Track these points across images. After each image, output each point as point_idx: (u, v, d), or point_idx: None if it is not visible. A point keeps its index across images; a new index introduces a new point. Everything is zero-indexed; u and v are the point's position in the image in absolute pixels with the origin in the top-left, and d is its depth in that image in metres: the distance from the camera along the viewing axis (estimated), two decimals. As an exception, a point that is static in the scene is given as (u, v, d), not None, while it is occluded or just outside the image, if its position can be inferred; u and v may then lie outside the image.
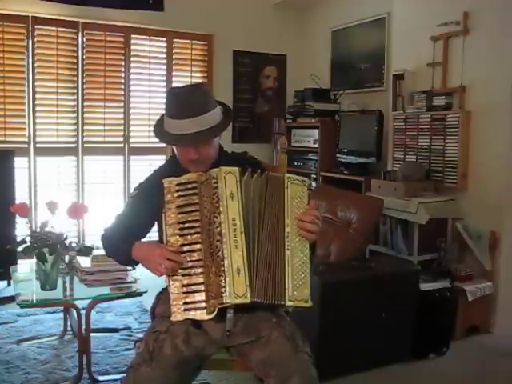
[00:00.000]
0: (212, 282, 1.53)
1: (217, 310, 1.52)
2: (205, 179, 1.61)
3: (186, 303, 1.56)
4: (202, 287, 1.55)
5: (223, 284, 1.50)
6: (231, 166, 1.60)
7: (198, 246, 1.58)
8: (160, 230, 1.73)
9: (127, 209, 1.82)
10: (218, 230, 1.54)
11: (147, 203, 1.76)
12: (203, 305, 1.54)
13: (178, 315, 1.56)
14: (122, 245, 1.71)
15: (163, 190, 1.63)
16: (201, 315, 1.55)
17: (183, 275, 1.57)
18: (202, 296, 1.55)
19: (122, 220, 1.79)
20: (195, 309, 1.55)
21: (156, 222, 1.80)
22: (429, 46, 3.63)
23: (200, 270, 1.57)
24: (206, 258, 1.56)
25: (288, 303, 1.53)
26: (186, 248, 1.59)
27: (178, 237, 1.59)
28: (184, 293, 1.56)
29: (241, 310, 1.63)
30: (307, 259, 1.58)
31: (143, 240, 1.79)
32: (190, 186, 1.62)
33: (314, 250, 1.64)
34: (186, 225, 1.60)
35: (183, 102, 1.67)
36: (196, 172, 1.65)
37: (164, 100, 1.75)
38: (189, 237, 1.59)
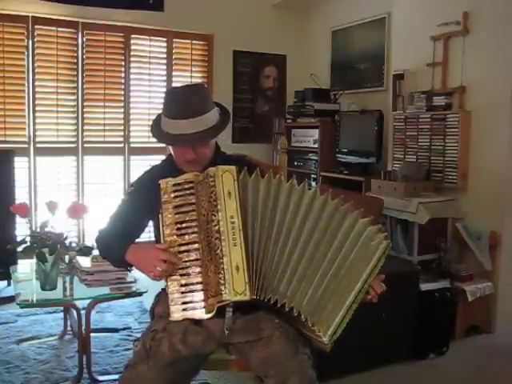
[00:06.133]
0: (211, 281, 1.53)
1: (216, 308, 1.51)
2: (202, 178, 1.61)
3: (184, 303, 1.56)
4: (200, 286, 1.55)
5: (222, 282, 1.50)
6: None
7: (196, 246, 1.58)
8: (156, 231, 1.73)
9: (122, 207, 1.81)
10: (217, 228, 1.54)
11: (143, 200, 1.75)
12: (202, 304, 1.54)
13: (176, 315, 1.56)
14: (116, 247, 1.69)
15: (159, 191, 1.63)
16: (200, 314, 1.54)
17: (181, 275, 1.57)
18: (200, 295, 1.55)
19: (116, 219, 1.78)
20: (194, 308, 1.55)
21: (151, 221, 1.80)
22: (429, 46, 3.63)
23: (198, 269, 1.56)
24: (205, 257, 1.56)
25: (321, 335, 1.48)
26: (183, 248, 1.58)
27: (175, 237, 1.59)
28: (182, 292, 1.56)
29: (241, 310, 1.62)
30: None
31: (138, 240, 1.79)
32: (186, 186, 1.62)
33: None
34: (184, 225, 1.59)
35: (181, 102, 1.67)
36: (192, 172, 1.65)
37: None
38: (186, 237, 1.59)
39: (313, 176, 4.52)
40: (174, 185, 1.63)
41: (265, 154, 5.12)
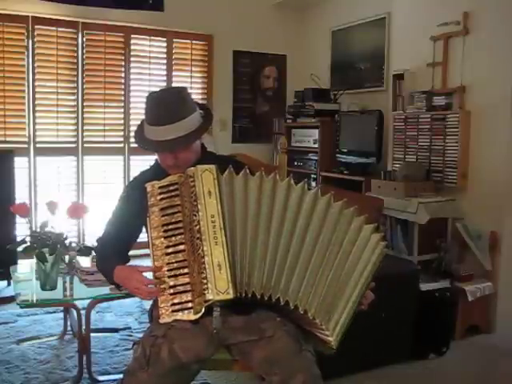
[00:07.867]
0: (196, 281, 1.53)
1: (203, 308, 1.51)
2: (184, 179, 1.62)
3: (173, 304, 1.56)
4: (188, 287, 1.55)
5: (205, 281, 1.50)
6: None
7: (182, 247, 1.59)
8: (147, 234, 1.74)
9: (116, 213, 1.83)
10: (198, 227, 1.54)
11: (135, 204, 1.76)
12: (190, 305, 1.54)
13: (166, 317, 1.56)
14: (107, 267, 1.75)
15: (146, 194, 1.65)
16: (188, 315, 1.54)
17: (169, 277, 1.58)
18: (188, 296, 1.55)
19: (112, 224, 1.81)
20: (182, 309, 1.55)
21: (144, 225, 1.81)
22: (429, 46, 3.63)
23: (185, 270, 1.57)
24: (190, 258, 1.56)
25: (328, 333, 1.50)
26: (170, 250, 1.60)
27: (162, 239, 1.61)
28: (171, 294, 1.56)
29: (238, 309, 1.61)
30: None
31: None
32: (171, 187, 1.64)
33: None
34: (170, 226, 1.61)
35: (160, 108, 1.67)
36: (177, 174, 1.67)
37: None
38: (173, 238, 1.60)
39: (313, 176, 4.52)
40: (159, 187, 1.66)
41: (265, 153, 5.12)
